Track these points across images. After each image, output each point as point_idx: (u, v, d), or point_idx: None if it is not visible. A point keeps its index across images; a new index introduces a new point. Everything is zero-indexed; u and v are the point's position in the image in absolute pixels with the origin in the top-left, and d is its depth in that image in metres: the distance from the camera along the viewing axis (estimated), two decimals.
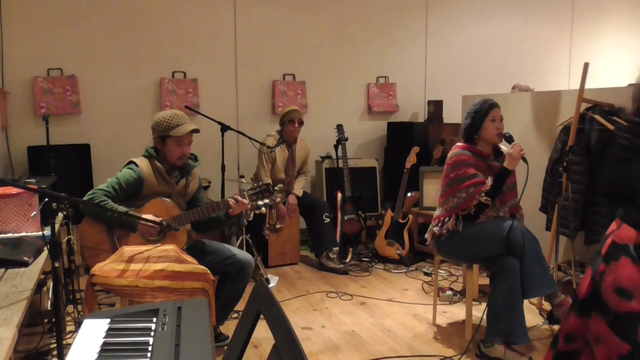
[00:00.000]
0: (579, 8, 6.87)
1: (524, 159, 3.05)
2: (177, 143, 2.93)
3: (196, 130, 2.97)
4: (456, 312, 3.73)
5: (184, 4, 5.06)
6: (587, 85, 3.50)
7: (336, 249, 4.70)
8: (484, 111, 3.17)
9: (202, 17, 5.14)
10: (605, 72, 6.83)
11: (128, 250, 2.51)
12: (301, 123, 4.69)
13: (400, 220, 4.84)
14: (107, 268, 2.43)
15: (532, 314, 3.55)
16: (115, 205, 2.73)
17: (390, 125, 5.88)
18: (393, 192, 5.13)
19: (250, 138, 4.21)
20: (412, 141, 5.27)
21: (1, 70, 4.51)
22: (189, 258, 2.53)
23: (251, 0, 5.30)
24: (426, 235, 3.39)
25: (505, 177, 3.07)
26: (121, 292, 2.46)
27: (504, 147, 3.14)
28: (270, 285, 4.28)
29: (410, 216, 4.86)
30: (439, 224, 3.22)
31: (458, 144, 3.27)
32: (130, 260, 2.45)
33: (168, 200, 2.94)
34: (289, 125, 4.65)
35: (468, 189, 3.09)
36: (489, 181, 3.08)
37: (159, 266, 2.44)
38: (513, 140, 3.12)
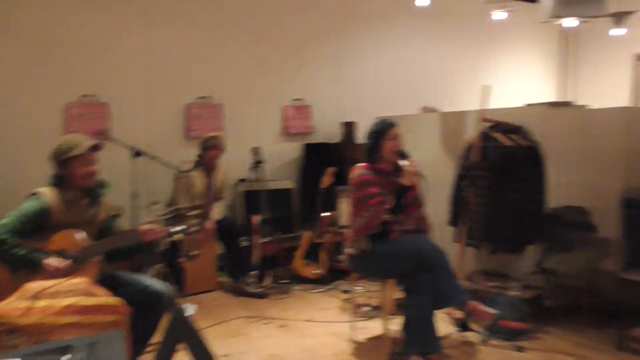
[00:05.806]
0: (486, 35, 7.42)
1: (422, 176, 3.20)
2: (80, 163, 2.82)
3: (97, 146, 2.87)
4: (374, 327, 3.80)
5: (95, 22, 4.87)
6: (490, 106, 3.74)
7: (254, 272, 4.67)
8: (382, 132, 3.29)
9: (114, 36, 4.98)
10: (505, 94, 7.36)
11: (32, 286, 2.37)
12: (221, 149, 4.67)
13: (318, 241, 4.90)
14: (9, 307, 2.28)
15: (443, 323, 3.69)
16: (18, 248, 2.58)
17: (306, 147, 5.96)
18: (310, 213, 5.19)
19: (164, 163, 4.12)
20: (328, 161, 5.35)
21: None
22: (100, 291, 2.43)
23: (165, 21, 5.22)
24: (341, 257, 3.46)
25: (403, 193, 3.19)
26: (27, 332, 2.31)
27: (403, 163, 3.24)
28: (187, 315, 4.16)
29: (328, 236, 4.93)
30: (352, 245, 3.31)
31: (358, 164, 3.38)
32: (36, 296, 2.32)
33: (76, 230, 2.80)
34: (210, 152, 4.61)
35: (372, 208, 3.19)
36: (390, 200, 3.19)
37: (67, 301, 2.31)
38: (407, 157, 3.26)
